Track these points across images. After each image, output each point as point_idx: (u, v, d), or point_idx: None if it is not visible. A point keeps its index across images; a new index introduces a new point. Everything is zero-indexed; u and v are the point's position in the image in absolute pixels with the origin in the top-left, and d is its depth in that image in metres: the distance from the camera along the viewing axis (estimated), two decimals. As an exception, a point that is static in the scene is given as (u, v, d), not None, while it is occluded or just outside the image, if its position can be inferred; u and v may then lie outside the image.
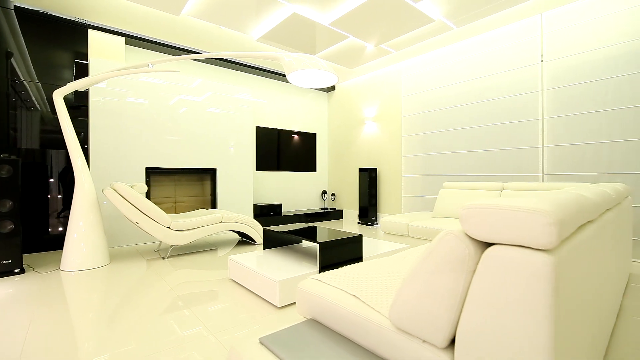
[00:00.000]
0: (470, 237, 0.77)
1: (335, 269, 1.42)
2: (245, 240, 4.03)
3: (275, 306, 1.98)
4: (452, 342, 0.80)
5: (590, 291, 0.96)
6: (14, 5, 3.29)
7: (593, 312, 1.02)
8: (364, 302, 1.05)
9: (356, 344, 1.01)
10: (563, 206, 0.73)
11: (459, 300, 0.76)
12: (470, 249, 0.75)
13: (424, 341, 0.83)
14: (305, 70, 2.21)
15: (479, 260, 0.75)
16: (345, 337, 1.05)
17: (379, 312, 0.98)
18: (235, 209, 4.74)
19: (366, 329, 0.96)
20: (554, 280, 0.64)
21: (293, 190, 6.05)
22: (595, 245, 1.02)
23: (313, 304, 1.18)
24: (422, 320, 0.81)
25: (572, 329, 0.76)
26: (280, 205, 5.33)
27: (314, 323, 1.16)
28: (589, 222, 1.06)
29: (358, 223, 5.55)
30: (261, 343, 1.04)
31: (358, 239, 2.41)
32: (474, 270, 0.75)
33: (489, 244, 0.76)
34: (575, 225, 0.81)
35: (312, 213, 5.75)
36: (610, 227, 1.37)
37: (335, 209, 6.19)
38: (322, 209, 6.19)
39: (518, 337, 0.66)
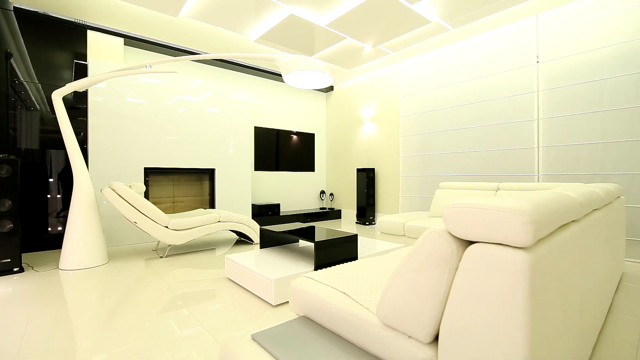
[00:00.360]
0: (453, 235, 0.79)
1: (329, 268, 1.45)
2: (243, 239, 4.06)
3: (271, 304, 2.01)
4: (437, 337, 0.83)
5: (574, 288, 0.98)
6: (14, 7, 3.32)
7: (578, 309, 1.05)
8: (354, 300, 1.07)
9: (346, 340, 1.03)
10: (541, 206, 0.76)
11: (442, 297, 0.79)
12: (453, 247, 0.78)
13: (409, 337, 0.85)
14: (302, 71, 2.23)
15: (461, 258, 0.77)
16: (336, 334, 1.08)
17: (367, 309, 1.00)
18: (233, 209, 4.77)
19: (356, 325, 0.99)
20: (531, 277, 0.66)
21: (291, 190, 6.08)
22: (579, 244, 1.05)
23: (305, 302, 1.20)
24: (408, 317, 0.84)
25: (554, 325, 0.79)
26: (278, 205, 5.35)
27: (306, 320, 1.19)
28: (573, 221, 1.08)
29: (356, 223, 5.58)
30: (253, 339, 1.07)
31: (353, 239, 2.43)
32: (457, 268, 0.78)
33: (471, 242, 0.78)
34: (556, 225, 0.83)
35: (310, 213, 5.78)
36: (599, 226, 1.40)
37: (333, 208, 6.22)
38: (321, 208, 6.21)
39: (497, 332, 0.69)
